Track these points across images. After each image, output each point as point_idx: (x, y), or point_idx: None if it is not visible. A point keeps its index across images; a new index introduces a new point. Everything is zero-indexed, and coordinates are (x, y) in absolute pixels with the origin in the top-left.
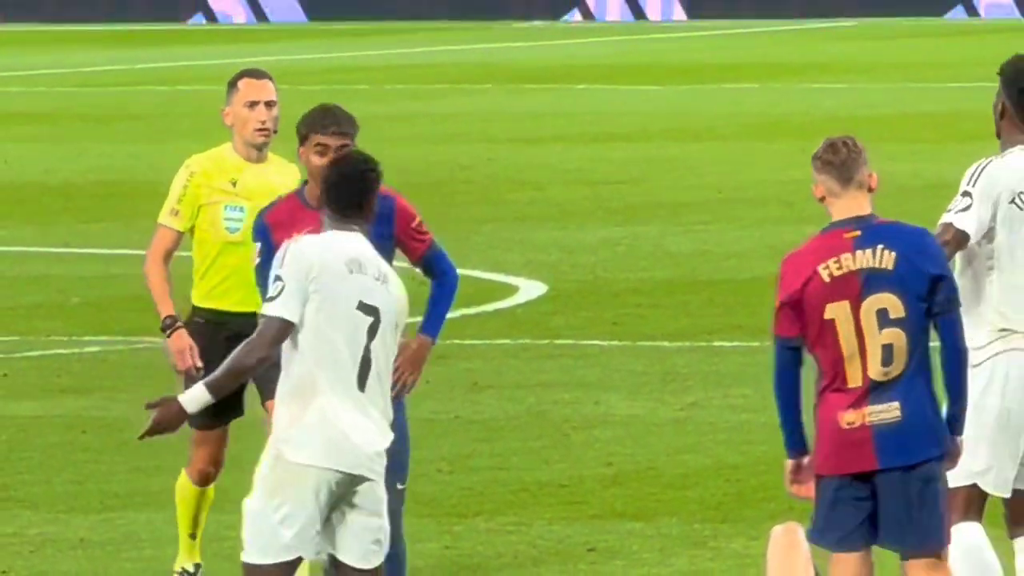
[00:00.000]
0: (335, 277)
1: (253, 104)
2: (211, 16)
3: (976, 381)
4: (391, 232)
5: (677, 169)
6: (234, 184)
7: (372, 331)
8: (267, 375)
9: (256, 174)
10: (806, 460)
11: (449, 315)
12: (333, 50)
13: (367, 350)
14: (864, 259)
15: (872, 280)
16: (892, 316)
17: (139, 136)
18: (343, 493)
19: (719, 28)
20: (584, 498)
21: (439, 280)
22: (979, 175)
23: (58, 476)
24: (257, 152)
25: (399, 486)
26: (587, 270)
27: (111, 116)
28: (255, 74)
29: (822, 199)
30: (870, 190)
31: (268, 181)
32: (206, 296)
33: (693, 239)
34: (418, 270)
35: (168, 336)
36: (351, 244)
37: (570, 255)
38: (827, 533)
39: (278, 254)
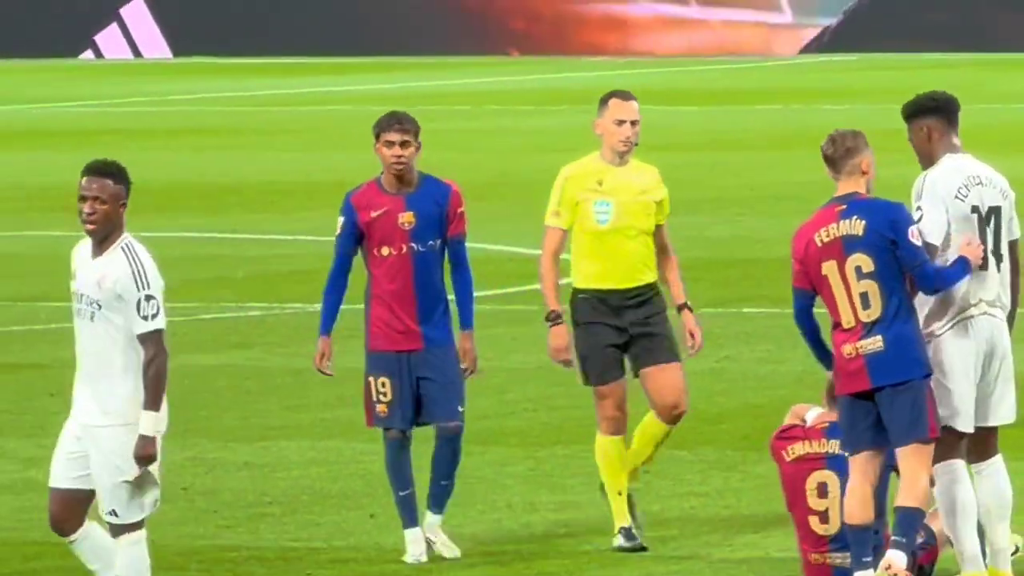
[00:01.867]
0: None
1: (620, 122)
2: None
3: (941, 345)
4: (444, 211)
5: (716, 172)
6: (600, 183)
7: None
8: (648, 345)
9: (618, 175)
10: None
11: (532, 287)
12: (436, 79)
13: None
14: (844, 227)
15: (849, 243)
16: (864, 271)
17: (294, 146)
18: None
19: (749, 61)
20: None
21: (459, 273)
22: (922, 188)
23: (227, 413)
24: (619, 158)
25: (460, 408)
26: None
27: (273, 130)
28: (624, 96)
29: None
30: (863, 173)
31: (629, 180)
32: (586, 279)
33: (728, 227)
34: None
35: (549, 328)
36: None
37: None
38: (846, 440)
39: (137, 271)
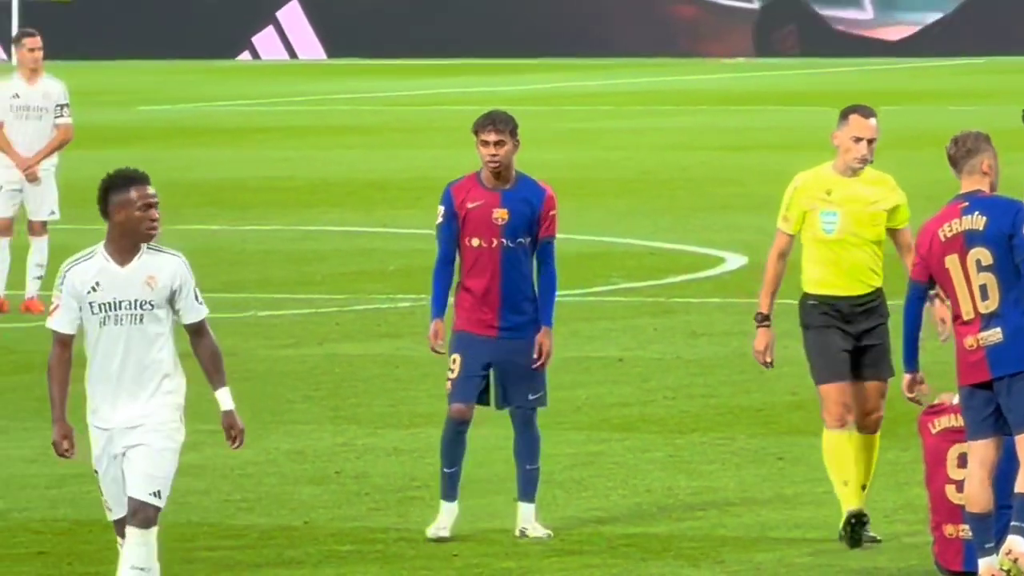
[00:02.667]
0: None
1: (858, 139)
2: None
3: None
4: (537, 213)
5: None
6: (829, 193)
7: None
8: (866, 360)
9: (848, 186)
10: (919, 375)
11: (671, 280)
12: (584, 79)
13: None
14: (967, 223)
15: (970, 238)
16: (984, 264)
17: (439, 144)
18: None
19: (874, 64)
20: (774, 419)
21: (544, 272)
22: None
23: (376, 400)
24: (852, 171)
25: (531, 396)
26: None
27: (417, 128)
28: (865, 112)
29: None
30: (984, 173)
31: (859, 192)
32: (815, 284)
33: None
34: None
35: (757, 328)
36: None
37: (766, 236)
38: (966, 428)
39: (183, 262)
